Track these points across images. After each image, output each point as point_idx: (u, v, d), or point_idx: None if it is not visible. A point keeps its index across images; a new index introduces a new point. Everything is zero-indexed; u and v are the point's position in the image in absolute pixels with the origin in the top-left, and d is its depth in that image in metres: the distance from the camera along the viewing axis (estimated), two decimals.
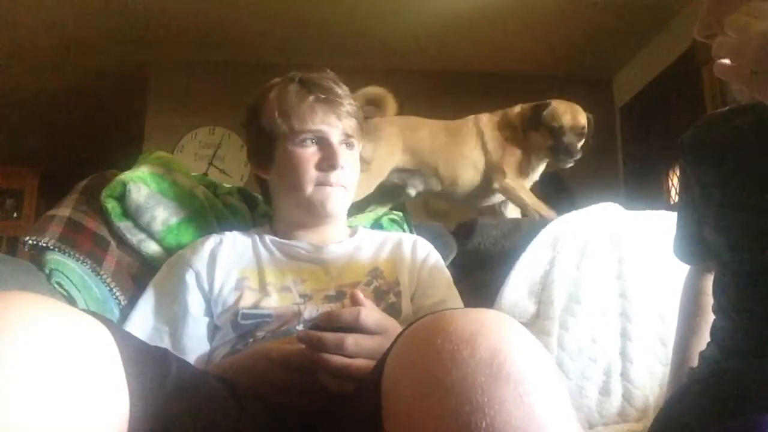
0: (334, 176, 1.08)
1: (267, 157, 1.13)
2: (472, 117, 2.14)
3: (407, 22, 3.55)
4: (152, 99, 3.95)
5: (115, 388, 0.55)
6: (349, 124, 1.11)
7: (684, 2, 3.12)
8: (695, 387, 0.82)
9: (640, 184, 3.83)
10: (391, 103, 2.02)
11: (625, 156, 4.04)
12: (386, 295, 1.05)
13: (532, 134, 2.02)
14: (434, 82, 3.99)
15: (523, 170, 2.03)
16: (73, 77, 4.10)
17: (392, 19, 3.53)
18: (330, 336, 0.75)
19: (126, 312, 1.10)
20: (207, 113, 3.93)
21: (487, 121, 2.12)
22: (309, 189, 1.09)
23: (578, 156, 1.99)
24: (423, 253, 1.15)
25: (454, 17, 3.47)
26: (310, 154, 1.09)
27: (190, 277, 1.05)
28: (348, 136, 1.11)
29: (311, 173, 1.08)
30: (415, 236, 1.24)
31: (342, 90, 1.12)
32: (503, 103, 4.11)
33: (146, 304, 1.05)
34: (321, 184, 1.09)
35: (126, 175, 1.23)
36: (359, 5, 3.41)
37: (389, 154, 2.00)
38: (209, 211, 1.28)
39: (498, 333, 0.54)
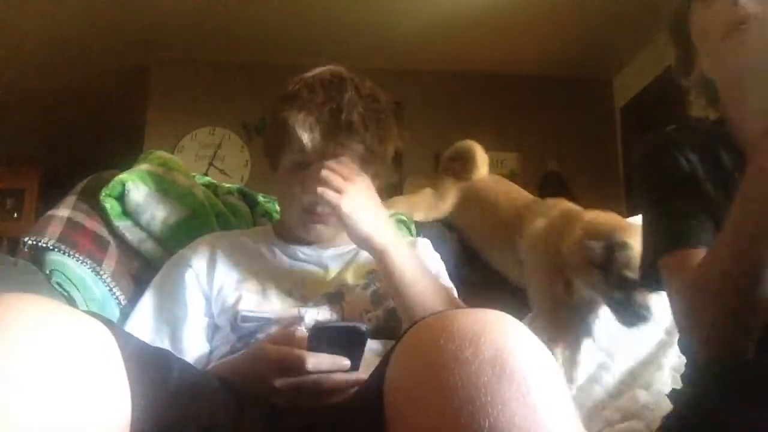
0: (320, 207, 1.04)
1: (275, 157, 1.11)
2: (552, 202, 1.53)
3: (408, 23, 3.55)
4: (152, 99, 3.95)
5: (117, 389, 0.55)
6: (356, 156, 1.04)
7: None
8: (709, 381, 0.82)
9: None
10: (481, 161, 1.70)
11: (625, 156, 4.03)
12: (384, 299, 1.04)
13: (592, 270, 1.28)
14: (435, 83, 3.99)
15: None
16: (73, 77, 4.10)
17: (393, 20, 3.52)
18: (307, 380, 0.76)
19: (126, 312, 1.10)
20: (207, 114, 3.93)
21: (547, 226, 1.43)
22: (295, 215, 1.07)
23: (650, 320, 1.26)
24: (421, 256, 1.14)
25: (455, 18, 3.47)
26: (303, 178, 1.02)
27: (190, 278, 1.05)
28: None
29: (299, 200, 1.05)
30: (414, 239, 1.23)
31: (366, 122, 1.03)
32: (503, 103, 4.13)
33: (146, 304, 1.05)
34: (308, 212, 1.05)
35: (125, 175, 1.22)
36: (361, 6, 3.41)
37: (429, 208, 1.65)
38: (209, 210, 1.28)
39: (501, 333, 0.54)
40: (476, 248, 1.59)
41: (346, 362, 0.76)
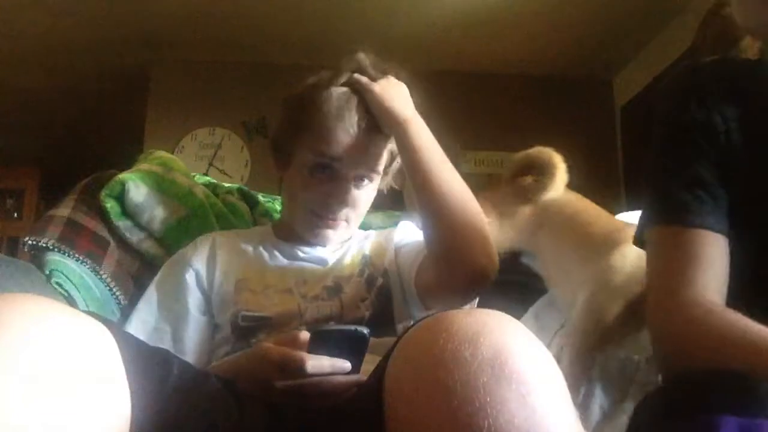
0: (333, 213, 1.04)
1: (285, 156, 1.10)
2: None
3: (406, 22, 3.54)
4: (152, 99, 3.95)
5: (117, 389, 0.55)
6: (374, 164, 1.05)
7: (684, 2, 3.12)
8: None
9: (640, 184, 3.82)
10: (561, 177, 1.39)
11: (625, 156, 4.03)
12: (375, 280, 1.05)
13: None
14: (434, 83, 3.98)
15: None
16: (73, 77, 4.10)
17: (392, 19, 3.52)
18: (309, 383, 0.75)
19: (127, 312, 1.10)
20: (207, 114, 3.93)
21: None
22: (306, 216, 1.07)
23: None
24: (402, 231, 1.16)
25: (454, 18, 3.47)
26: (319, 181, 1.03)
27: (190, 277, 1.05)
28: (365, 174, 1.05)
29: (313, 202, 1.05)
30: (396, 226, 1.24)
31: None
32: (503, 104, 4.13)
33: (147, 304, 1.05)
34: (319, 216, 1.05)
35: (125, 175, 1.22)
36: (361, 6, 3.41)
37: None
38: (209, 209, 1.28)
39: (500, 333, 0.54)
40: (544, 272, 1.38)
41: (347, 365, 0.76)
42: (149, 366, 0.61)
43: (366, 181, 1.06)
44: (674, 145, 0.79)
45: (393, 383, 0.57)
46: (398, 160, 1.10)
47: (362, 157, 1.03)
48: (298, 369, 0.74)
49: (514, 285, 1.42)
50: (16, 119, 4.59)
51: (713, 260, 0.72)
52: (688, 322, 0.69)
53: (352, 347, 0.76)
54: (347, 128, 1.00)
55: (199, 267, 1.06)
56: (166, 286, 1.06)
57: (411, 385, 0.54)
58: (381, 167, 1.07)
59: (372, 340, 0.76)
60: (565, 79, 4.04)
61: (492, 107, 4.01)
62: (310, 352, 0.76)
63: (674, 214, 0.75)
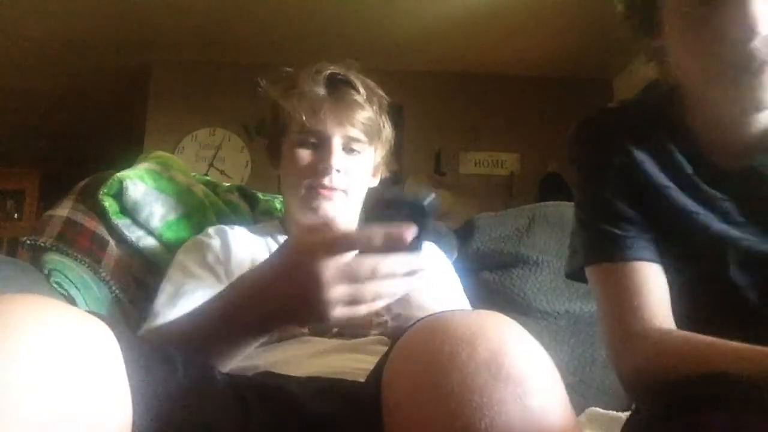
0: (327, 180, 1.04)
1: (277, 149, 1.13)
2: None
3: (407, 23, 3.55)
4: (153, 100, 3.95)
5: (119, 389, 0.54)
6: (357, 127, 1.06)
7: None
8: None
9: None
10: None
11: None
12: (393, 306, 1.03)
13: None
14: (434, 84, 3.99)
15: None
16: (73, 78, 4.10)
17: (392, 20, 3.53)
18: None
19: (127, 311, 1.10)
20: (207, 114, 3.93)
21: None
22: (302, 192, 1.06)
23: None
24: (439, 272, 1.15)
25: (454, 19, 3.47)
26: (307, 154, 1.06)
27: (211, 257, 1.04)
28: (351, 139, 1.06)
29: (305, 175, 1.05)
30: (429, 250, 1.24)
31: (361, 90, 1.07)
32: (503, 104, 4.12)
33: (169, 292, 1.00)
34: (314, 187, 1.05)
35: (123, 173, 1.23)
36: (360, 5, 3.41)
37: None
38: (208, 207, 1.28)
39: (498, 334, 0.54)
40: None
41: (402, 231, 0.60)
42: (152, 366, 0.61)
43: (355, 148, 1.07)
44: (596, 187, 0.83)
45: (390, 384, 0.57)
46: (387, 131, 1.13)
47: (342, 119, 1.05)
48: (341, 243, 0.63)
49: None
50: (16, 119, 4.59)
51: (653, 288, 0.77)
52: (644, 350, 0.72)
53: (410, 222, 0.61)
54: (319, 93, 1.04)
55: (218, 252, 1.05)
56: (188, 270, 1.03)
57: (408, 387, 0.54)
58: (366, 132, 1.07)
59: (366, 339, 0.75)
60: (565, 80, 4.04)
61: (492, 107, 4.01)
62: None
63: (607, 251, 0.80)
